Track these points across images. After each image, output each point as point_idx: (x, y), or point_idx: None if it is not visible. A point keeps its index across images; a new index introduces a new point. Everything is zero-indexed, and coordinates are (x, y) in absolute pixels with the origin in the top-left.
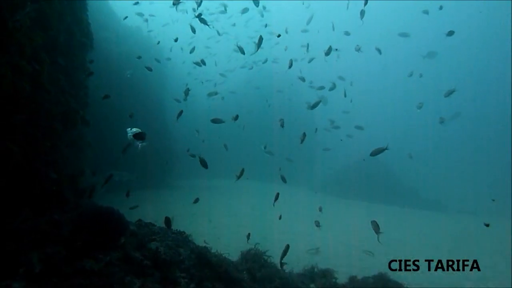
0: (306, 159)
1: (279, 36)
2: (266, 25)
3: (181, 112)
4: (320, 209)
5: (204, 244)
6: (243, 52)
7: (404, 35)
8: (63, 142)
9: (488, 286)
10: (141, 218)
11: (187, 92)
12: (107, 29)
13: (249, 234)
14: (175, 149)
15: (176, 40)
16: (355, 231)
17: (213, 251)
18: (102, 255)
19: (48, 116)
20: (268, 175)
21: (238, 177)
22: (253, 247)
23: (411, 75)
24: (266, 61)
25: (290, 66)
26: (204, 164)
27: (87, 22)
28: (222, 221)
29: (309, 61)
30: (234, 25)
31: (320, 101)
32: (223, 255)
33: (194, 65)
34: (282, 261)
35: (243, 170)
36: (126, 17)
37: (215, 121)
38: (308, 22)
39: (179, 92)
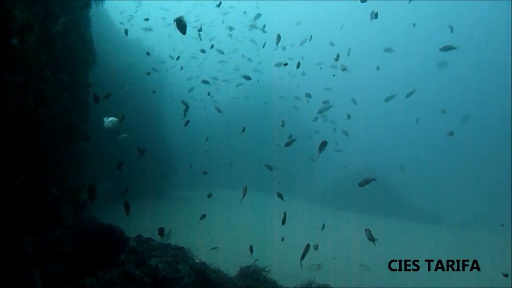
0: (304, 170)
1: (285, 65)
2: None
3: (188, 122)
4: (323, 227)
5: (202, 260)
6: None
7: (388, 50)
8: (65, 158)
9: (488, 286)
10: (140, 230)
11: (186, 110)
12: (108, 41)
13: (251, 247)
14: (174, 160)
15: (178, 58)
16: (354, 245)
17: (212, 266)
18: (102, 273)
19: (50, 132)
20: (267, 186)
21: (243, 196)
22: (252, 262)
23: (410, 94)
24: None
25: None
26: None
27: (91, 39)
28: (221, 233)
29: (303, 74)
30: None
31: (330, 106)
32: (222, 271)
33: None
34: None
35: (245, 189)
36: (126, 29)
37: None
38: (302, 43)
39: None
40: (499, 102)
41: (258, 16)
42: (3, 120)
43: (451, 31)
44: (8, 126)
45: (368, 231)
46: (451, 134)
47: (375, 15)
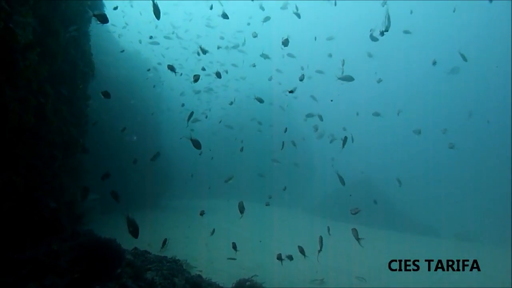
0: (302, 180)
1: (291, 92)
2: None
3: (192, 138)
4: (321, 247)
5: (198, 272)
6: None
7: (379, 80)
8: (63, 170)
9: (488, 286)
10: (137, 242)
11: (191, 115)
12: (106, 53)
13: (234, 244)
14: (171, 169)
15: (181, 74)
16: (353, 257)
17: (207, 278)
18: (99, 286)
19: (49, 146)
20: (265, 196)
21: (241, 215)
22: (248, 276)
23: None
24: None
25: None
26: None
27: (90, 53)
28: (217, 244)
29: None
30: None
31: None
32: (218, 284)
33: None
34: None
35: (242, 206)
36: (123, 50)
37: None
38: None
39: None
40: (499, 111)
41: (255, 34)
42: (4, 134)
43: (434, 64)
44: (8, 140)
45: (354, 231)
46: (452, 147)
47: (383, 31)
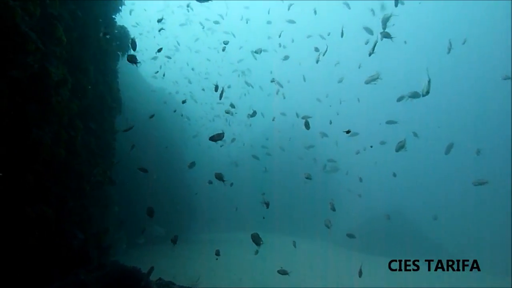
0: (326, 211)
1: (348, 132)
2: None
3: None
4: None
5: None
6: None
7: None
8: (90, 202)
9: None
10: (161, 273)
11: (222, 135)
12: (133, 89)
13: (217, 251)
14: (194, 204)
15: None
16: None
17: None
18: None
19: (78, 177)
20: (288, 227)
21: (256, 251)
22: None
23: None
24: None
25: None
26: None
27: (117, 89)
28: (243, 277)
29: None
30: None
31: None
32: None
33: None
34: None
35: (257, 236)
36: (154, 91)
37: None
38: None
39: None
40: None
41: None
42: (36, 167)
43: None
44: (41, 172)
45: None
46: (483, 183)
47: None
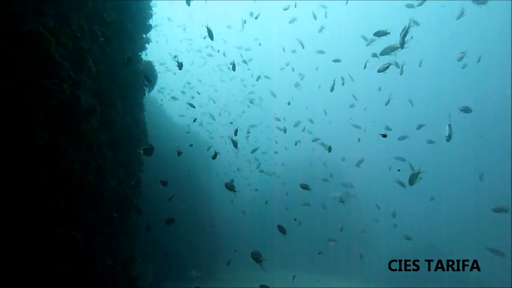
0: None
1: (384, 136)
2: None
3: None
4: None
5: None
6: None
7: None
8: (119, 230)
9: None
10: None
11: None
12: (160, 128)
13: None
14: (220, 243)
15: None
16: None
17: None
18: None
19: (107, 205)
20: (319, 266)
21: (259, 263)
22: None
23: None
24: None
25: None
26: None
27: (144, 122)
28: None
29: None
30: None
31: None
32: None
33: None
34: None
35: (258, 253)
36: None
37: None
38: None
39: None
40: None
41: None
42: (68, 193)
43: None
44: (71, 198)
45: None
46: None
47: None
